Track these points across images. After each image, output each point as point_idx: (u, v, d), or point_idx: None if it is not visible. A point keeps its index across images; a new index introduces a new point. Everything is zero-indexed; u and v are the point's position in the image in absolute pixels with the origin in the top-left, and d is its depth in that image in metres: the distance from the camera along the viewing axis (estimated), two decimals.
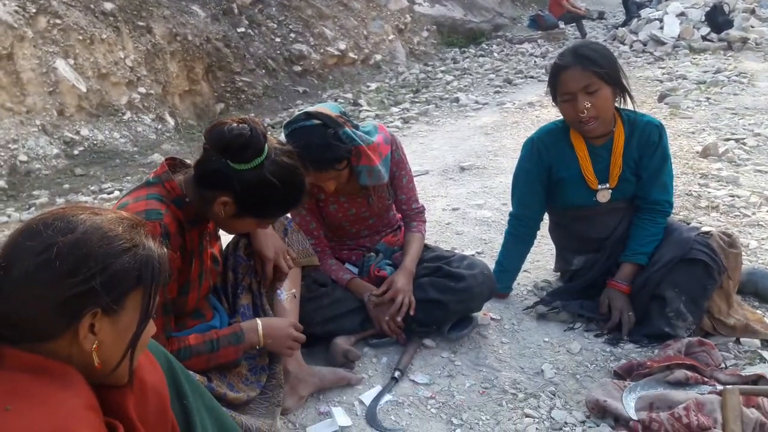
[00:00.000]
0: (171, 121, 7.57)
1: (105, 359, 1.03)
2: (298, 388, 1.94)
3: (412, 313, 2.17)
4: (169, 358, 1.29)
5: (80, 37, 6.97)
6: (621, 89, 2.19)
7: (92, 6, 7.30)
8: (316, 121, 2.05)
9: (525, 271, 2.73)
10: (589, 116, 2.14)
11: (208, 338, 1.67)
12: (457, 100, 7.59)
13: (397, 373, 2.07)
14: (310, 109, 2.13)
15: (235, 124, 1.52)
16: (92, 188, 5.69)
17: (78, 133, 6.68)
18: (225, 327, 1.80)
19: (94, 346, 1.00)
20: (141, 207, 1.50)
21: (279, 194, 1.57)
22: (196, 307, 1.73)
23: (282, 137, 2.04)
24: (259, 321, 1.78)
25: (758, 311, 2.32)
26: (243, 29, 8.93)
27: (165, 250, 1.08)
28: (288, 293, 2.00)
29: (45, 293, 0.96)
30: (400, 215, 2.48)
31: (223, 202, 1.55)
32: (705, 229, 2.26)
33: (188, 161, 1.70)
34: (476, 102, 7.39)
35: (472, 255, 2.97)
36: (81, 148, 6.56)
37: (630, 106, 2.26)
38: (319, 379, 2.00)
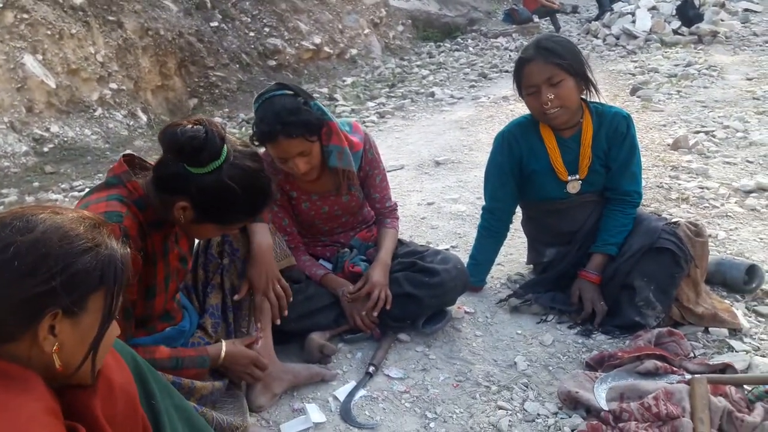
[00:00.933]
0: (143, 117, 7.45)
1: (67, 361, 1.01)
2: (272, 386, 1.93)
3: (388, 307, 2.17)
4: (136, 358, 1.27)
5: (49, 32, 6.82)
6: (585, 81, 2.21)
7: (61, 0, 7.14)
8: (288, 91, 2.04)
9: (498, 264, 2.75)
10: (552, 107, 2.16)
11: (174, 355, 1.63)
12: (432, 94, 7.60)
13: (371, 368, 2.07)
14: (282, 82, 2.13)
15: (190, 126, 1.45)
16: (63, 186, 5.58)
17: (48, 129, 6.54)
18: (194, 329, 1.77)
19: (55, 347, 0.98)
20: (101, 209, 1.44)
21: (240, 200, 1.50)
22: (164, 309, 1.69)
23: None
24: (224, 349, 1.74)
25: (726, 301, 2.37)
26: (216, 23, 8.81)
27: (128, 250, 1.06)
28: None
29: (3, 293, 0.94)
30: (374, 213, 2.47)
31: (182, 207, 1.49)
32: (673, 219, 2.30)
33: (148, 161, 1.64)
34: (452, 96, 7.41)
35: (447, 249, 2.99)
36: (51, 145, 6.42)
37: (596, 99, 2.29)
38: (293, 376, 1.99)
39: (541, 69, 2.15)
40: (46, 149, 6.32)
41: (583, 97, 2.27)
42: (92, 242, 1.00)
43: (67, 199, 5.17)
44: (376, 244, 2.38)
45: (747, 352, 2.09)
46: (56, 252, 0.96)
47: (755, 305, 2.39)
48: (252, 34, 9.16)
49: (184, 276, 1.80)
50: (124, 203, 1.49)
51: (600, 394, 1.85)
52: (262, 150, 2.22)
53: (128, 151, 6.23)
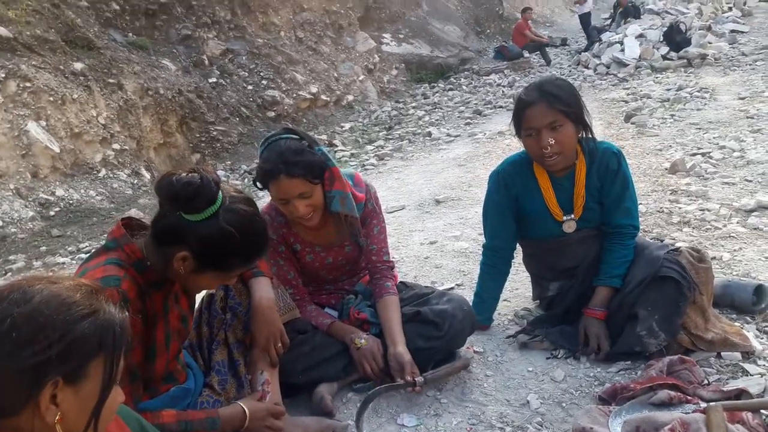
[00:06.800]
0: (147, 175, 7.55)
1: (69, 431, 1.00)
2: None
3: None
4: (142, 423, 1.27)
5: (51, 99, 6.98)
6: (584, 126, 2.22)
7: (62, 67, 7.33)
8: (294, 135, 2.09)
9: (505, 300, 2.74)
10: (552, 152, 2.16)
11: (182, 418, 1.61)
12: (429, 134, 7.70)
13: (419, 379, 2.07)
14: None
15: (185, 174, 1.48)
16: (69, 249, 5.62)
17: (53, 193, 6.63)
18: (200, 388, 1.76)
19: (57, 417, 0.98)
20: (98, 274, 1.45)
21: (238, 244, 1.51)
22: (166, 371, 1.68)
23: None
24: (246, 409, 1.73)
25: (736, 323, 2.34)
26: (214, 79, 9.02)
27: (126, 314, 1.07)
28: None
29: (2, 366, 0.94)
30: (368, 266, 2.37)
31: (182, 257, 1.50)
32: (674, 246, 2.29)
33: (147, 222, 1.67)
34: (448, 135, 7.50)
35: (452, 288, 2.99)
36: (57, 209, 6.50)
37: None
38: (303, 430, 1.96)
39: (544, 113, 2.14)
40: (52, 213, 6.40)
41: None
42: (90, 309, 1.01)
43: (74, 262, 5.21)
44: (377, 306, 2.28)
45: (762, 374, 2.06)
46: (54, 321, 0.97)
47: (766, 326, 2.36)
48: (250, 87, 9.35)
49: (186, 336, 1.80)
50: (121, 267, 1.50)
51: (615, 429, 1.82)
52: (262, 204, 2.25)
53: (127, 214, 6.33)
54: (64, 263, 5.21)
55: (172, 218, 1.49)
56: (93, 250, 1.62)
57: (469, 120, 8.30)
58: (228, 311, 1.94)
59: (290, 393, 2.11)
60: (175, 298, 1.68)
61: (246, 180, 6.97)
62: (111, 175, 7.22)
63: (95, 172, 7.10)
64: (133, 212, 6.34)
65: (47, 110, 6.92)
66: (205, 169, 1.51)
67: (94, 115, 7.37)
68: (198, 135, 8.41)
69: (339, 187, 2.15)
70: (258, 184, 2.12)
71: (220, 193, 1.51)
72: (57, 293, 1.00)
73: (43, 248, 5.73)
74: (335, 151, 7.76)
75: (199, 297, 1.96)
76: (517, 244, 2.55)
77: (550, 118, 2.14)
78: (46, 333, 0.96)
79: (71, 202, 6.64)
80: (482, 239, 2.62)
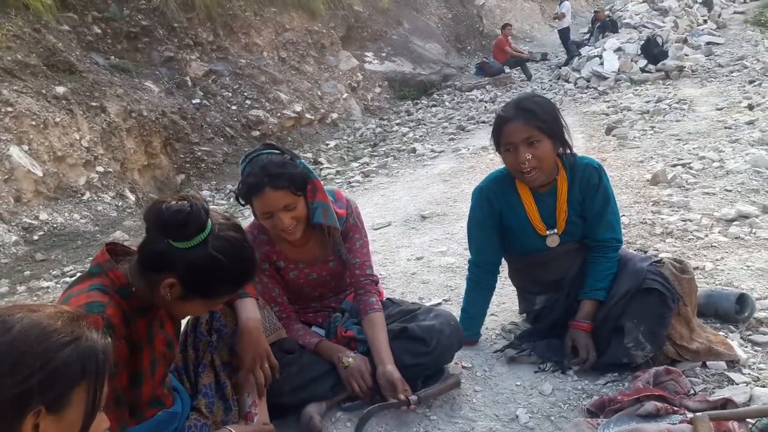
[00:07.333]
0: (131, 197, 7.51)
1: None
2: None
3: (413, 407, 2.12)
4: None
5: (33, 123, 6.94)
6: (562, 143, 2.25)
7: (44, 91, 7.30)
8: (275, 150, 2.11)
9: (492, 314, 2.75)
10: (530, 167, 2.19)
11: None
12: (414, 150, 7.75)
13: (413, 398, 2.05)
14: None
15: (174, 202, 1.47)
16: (54, 273, 5.56)
17: (37, 217, 6.57)
18: (187, 411, 1.74)
19: None
20: (82, 300, 1.44)
21: (226, 271, 1.51)
22: (152, 396, 1.65)
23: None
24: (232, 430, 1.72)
25: (720, 333, 2.37)
26: (198, 100, 9.01)
27: (109, 340, 1.06)
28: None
29: None
30: (352, 281, 2.38)
31: (169, 284, 1.48)
32: (657, 257, 2.32)
33: (132, 247, 1.66)
34: (432, 151, 7.55)
35: (439, 303, 2.99)
36: (41, 233, 6.43)
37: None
38: None
39: (520, 129, 2.18)
40: (35, 237, 6.33)
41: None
42: (71, 336, 1.00)
43: (58, 286, 5.14)
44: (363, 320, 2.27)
45: (747, 383, 2.08)
46: (34, 349, 0.96)
47: (750, 335, 2.39)
48: (234, 107, 9.36)
49: (172, 360, 1.78)
50: (105, 293, 1.48)
51: None
52: (245, 224, 2.25)
53: (111, 237, 6.27)
54: (48, 287, 5.15)
55: (160, 245, 1.48)
56: (78, 275, 1.61)
57: (452, 136, 8.36)
58: (214, 333, 1.93)
59: (278, 414, 2.09)
60: (160, 323, 1.67)
61: (231, 200, 6.96)
62: (95, 198, 7.16)
63: (79, 195, 7.04)
64: (118, 235, 6.30)
65: (29, 134, 6.87)
66: (195, 197, 1.51)
67: (77, 138, 7.33)
68: (182, 156, 8.39)
69: (321, 198, 2.17)
70: (241, 200, 2.13)
71: (210, 220, 1.51)
72: (37, 321, 0.99)
73: (27, 273, 5.65)
74: (321, 169, 7.78)
75: (184, 320, 1.94)
76: (503, 259, 2.56)
77: (526, 134, 2.18)
78: (27, 362, 0.95)
79: (55, 225, 6.58)
80: (468, 254, 2.64)
